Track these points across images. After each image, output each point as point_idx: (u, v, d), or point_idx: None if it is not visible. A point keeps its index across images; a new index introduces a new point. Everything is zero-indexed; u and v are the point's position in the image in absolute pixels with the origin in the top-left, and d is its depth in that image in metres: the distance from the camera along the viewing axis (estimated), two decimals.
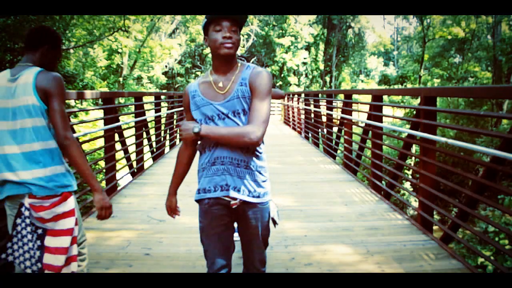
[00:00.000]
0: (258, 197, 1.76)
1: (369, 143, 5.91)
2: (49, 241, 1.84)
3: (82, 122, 5.72)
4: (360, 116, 10.06)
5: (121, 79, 19.90)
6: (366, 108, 5.92)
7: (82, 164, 1.88)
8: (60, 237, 1.86)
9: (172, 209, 1.95)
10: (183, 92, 1.79)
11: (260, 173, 1.78)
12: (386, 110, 18.42)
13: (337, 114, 7.62)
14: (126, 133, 6.30)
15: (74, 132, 4.28)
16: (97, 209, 1.94)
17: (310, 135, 10.80)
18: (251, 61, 28.65)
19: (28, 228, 1.82)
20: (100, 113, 14.98)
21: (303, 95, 12.15)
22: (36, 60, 1.96)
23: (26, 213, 1.82)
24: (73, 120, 5.49)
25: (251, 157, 1.74)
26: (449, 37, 23.14)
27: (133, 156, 6.61)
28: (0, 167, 1.84)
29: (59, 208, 1.85)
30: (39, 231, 1.85)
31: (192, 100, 1.76)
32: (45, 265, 1.84)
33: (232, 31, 1.66)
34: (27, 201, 1.82)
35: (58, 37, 2.06)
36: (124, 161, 6.14)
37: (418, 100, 4.96)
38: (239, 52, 27.25)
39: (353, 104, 7.44)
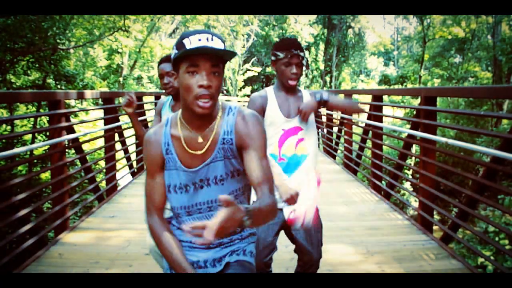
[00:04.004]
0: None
1: (369, 143, 5.91)
2: None
3: (82, 122, 5.74)
4: (360, 116, 10.05)
5: (121, 79, 19.87)
6: (366, 108, 5.92)
7: None
8: None
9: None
10: (145, 139, 1.34)
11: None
12: (386, 110, 18.40)
13: (337, 114, 7.61)
14: (126, 133, 6.30)
15: (73, 132, 4.28)
16: None
17: None
18: (251, 62, 28.60)
19: None
20: (100, 113, 14.97)
21: None
22: None
23: None
24: (73, 120, 5.48)
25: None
26: (449, 37, 23.09)
27: (133, 156, 6.60)
28: None
29: None
30: None
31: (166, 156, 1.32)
32: None
33: (213, 73, 1.20)
34: None
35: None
36: (124, 161, 6.14)
37: (418, 100, 4.96)
38: (239, 52, 27.26)
39: None
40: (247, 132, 1.28)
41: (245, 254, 1.43)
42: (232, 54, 1.19)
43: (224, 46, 1.21)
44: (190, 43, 1.17)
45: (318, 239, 2.08)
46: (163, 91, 2.37)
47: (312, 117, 2.08)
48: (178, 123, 1.30)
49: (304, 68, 2.01)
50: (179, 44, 1.19)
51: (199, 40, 1.16)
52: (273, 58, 2.02)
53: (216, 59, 1.19)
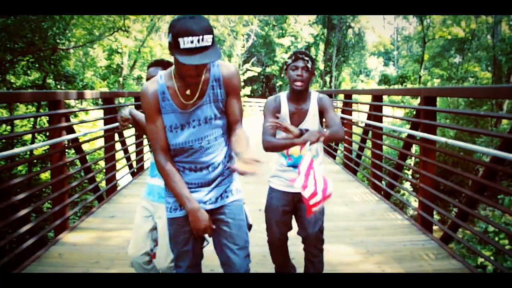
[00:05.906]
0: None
1: (369, 143, 5.91)
2: None
3: (82, 122, 5.73)
4: (360, 116, 10.05)
5: (121, 79, 19.86)
6: (366, 108, 5.92)
7: None
8: None
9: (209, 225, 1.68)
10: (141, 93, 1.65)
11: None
12: (386, 110, 18.40)
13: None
14: (126, 133, 6.30)
15: (73, 132, 4.28)
16: None
17: None
18: (251, 62, 28.58)
19: None
20: (100, 113, 14.96)
21: None
22: None
23: None
24: (73, 120, 5.51)
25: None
26: (449, 37, 23.08)
27: (133, 156, 6.60)
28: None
29: None
30: None
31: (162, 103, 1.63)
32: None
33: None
34: None
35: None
36: (124, 161, 6.14)
37: (418, 100, 4.96)
38: (239, 52, 27.23)
39: (353, 104, 7.44)
40: (231, 82, 1.64)
41: (237, 192, 1.77)
42: (217, 57, 1.42)
43: (212, 35, 1.42)
44: (184, 43, 1.39)
45: (317, 219, 2.24)
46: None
47: (318, 125, 2.19)
48: (173, 76, 1.59)
49: (310, 74, 2.10)
50: (175, 41, 1.41)
51: (191, 42, 1.39)
52: (284, 68, 2.19)
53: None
